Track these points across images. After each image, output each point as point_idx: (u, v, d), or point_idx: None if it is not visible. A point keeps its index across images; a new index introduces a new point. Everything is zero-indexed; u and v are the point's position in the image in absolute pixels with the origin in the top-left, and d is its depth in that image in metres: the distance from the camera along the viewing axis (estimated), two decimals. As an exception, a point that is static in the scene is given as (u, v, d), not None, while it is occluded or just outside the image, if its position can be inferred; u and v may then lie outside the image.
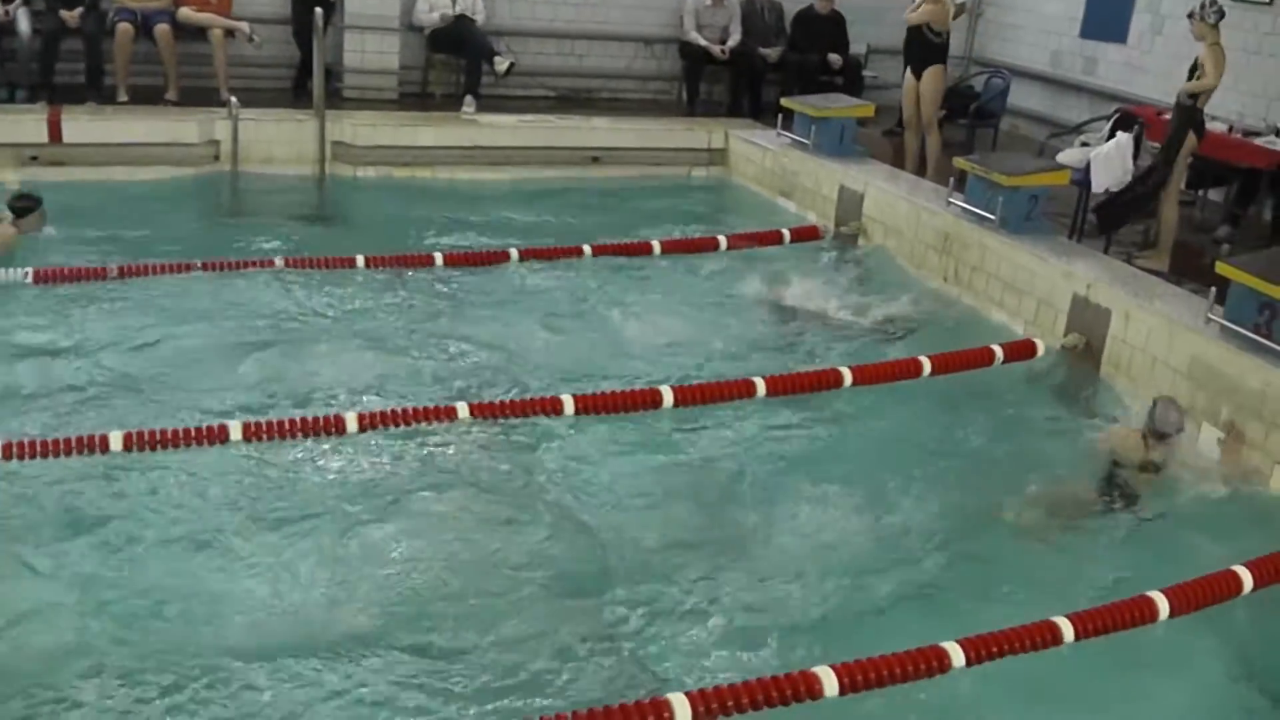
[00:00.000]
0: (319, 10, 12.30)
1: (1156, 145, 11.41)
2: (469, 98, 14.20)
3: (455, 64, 14.80)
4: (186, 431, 6.93)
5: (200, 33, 13.45)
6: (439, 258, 10.15)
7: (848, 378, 8.31)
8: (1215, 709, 5.71)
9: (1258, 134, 12.15)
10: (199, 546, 6.10)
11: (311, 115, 12.51)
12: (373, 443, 7.13)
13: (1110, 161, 10.88)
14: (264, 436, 7.02)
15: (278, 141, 12.48)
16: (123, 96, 13.00)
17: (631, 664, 5.52)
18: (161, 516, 6.30)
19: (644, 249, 10.76)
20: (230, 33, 13.49)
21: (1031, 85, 16.13)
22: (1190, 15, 10.64)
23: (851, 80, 15.62)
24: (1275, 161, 11.63)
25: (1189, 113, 10.58)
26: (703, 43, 15.37)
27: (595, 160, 13.42)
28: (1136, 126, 11.27)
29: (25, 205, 9.89)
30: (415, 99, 14.73)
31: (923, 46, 13.04)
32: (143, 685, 5.11)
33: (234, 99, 12.27)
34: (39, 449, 6.63)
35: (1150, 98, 13.44)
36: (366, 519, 6.41)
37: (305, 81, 13.65)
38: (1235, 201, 12.05)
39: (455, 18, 14.39)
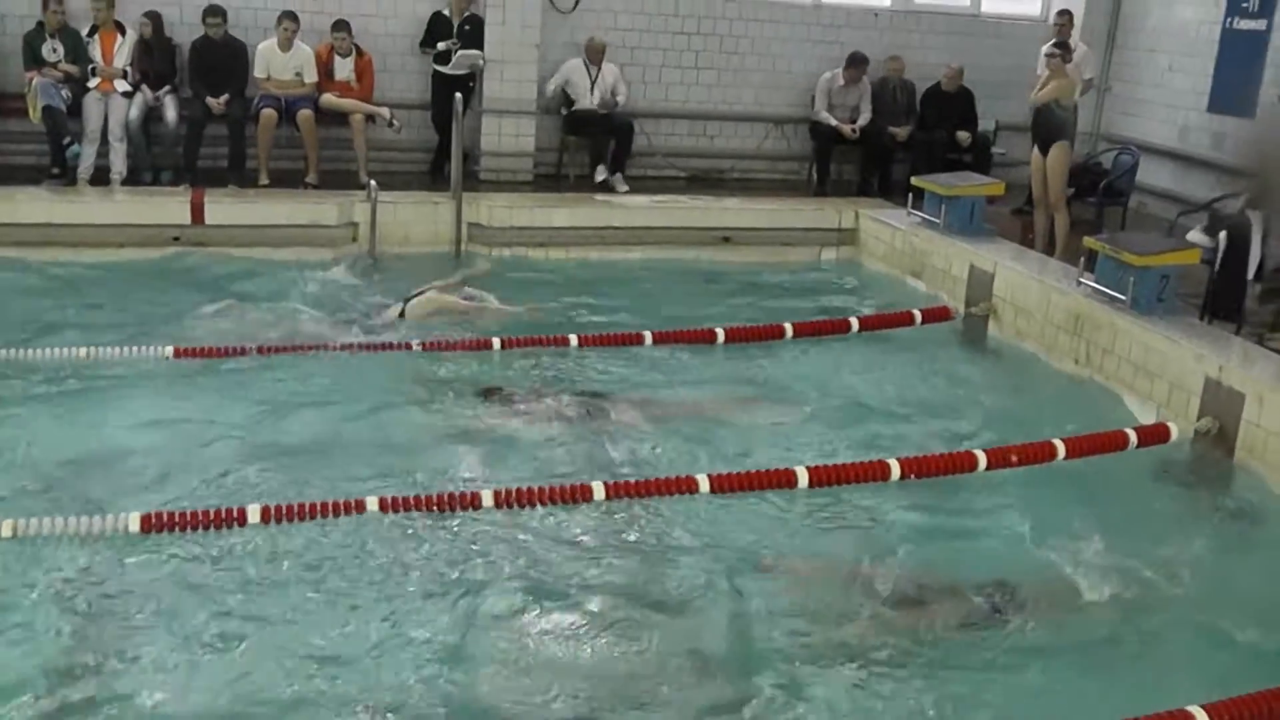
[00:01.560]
0: (458, 95, 12.65)
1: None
2: (619, 175, 14.58)
3: (585, 145, 15.13)
4: (324, 505, 7.11)
5: (341, 118, 13.86)
6: (574, 339, 10.34)
7: (982, 461, 8.34)
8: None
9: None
10: (333, 614, 6.27)
11: (448, 197, 12.86)
12: (507, 519, 7.27)
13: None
14: (399, 510, 7.19)
15: (415, 223, 12.85)
16: (264, 179, 13.47)
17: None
18: (300, 586, 6.50)
19: (776, 332, 10.86)
20: (371, 118, 13.88)
21: (1160, 161, 16.08)
22: None
23: (980, 157, 15.77)
24: None
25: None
26: (833, 122, 15.57)
27: (726, 240, 13.59)
28: (1267, 204, 11.28)
29: None
30: (549, 180, 15.05)
31: (1049, 122, 13.11)
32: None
33: (373, 182, 12.62)
34: (178, 521, 6.89)
35: (1281, 174, 13.36)
36: (498, 594, 6.53)
37: (443, 164, 14.00)
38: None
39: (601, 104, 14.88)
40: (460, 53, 14.06)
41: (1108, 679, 6.24)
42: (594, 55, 14.81)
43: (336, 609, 6.32)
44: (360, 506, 7.15)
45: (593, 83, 14.81)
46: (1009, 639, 6.52)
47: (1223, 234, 11.07)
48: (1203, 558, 7.51)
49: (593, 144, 15.06)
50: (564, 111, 15.11)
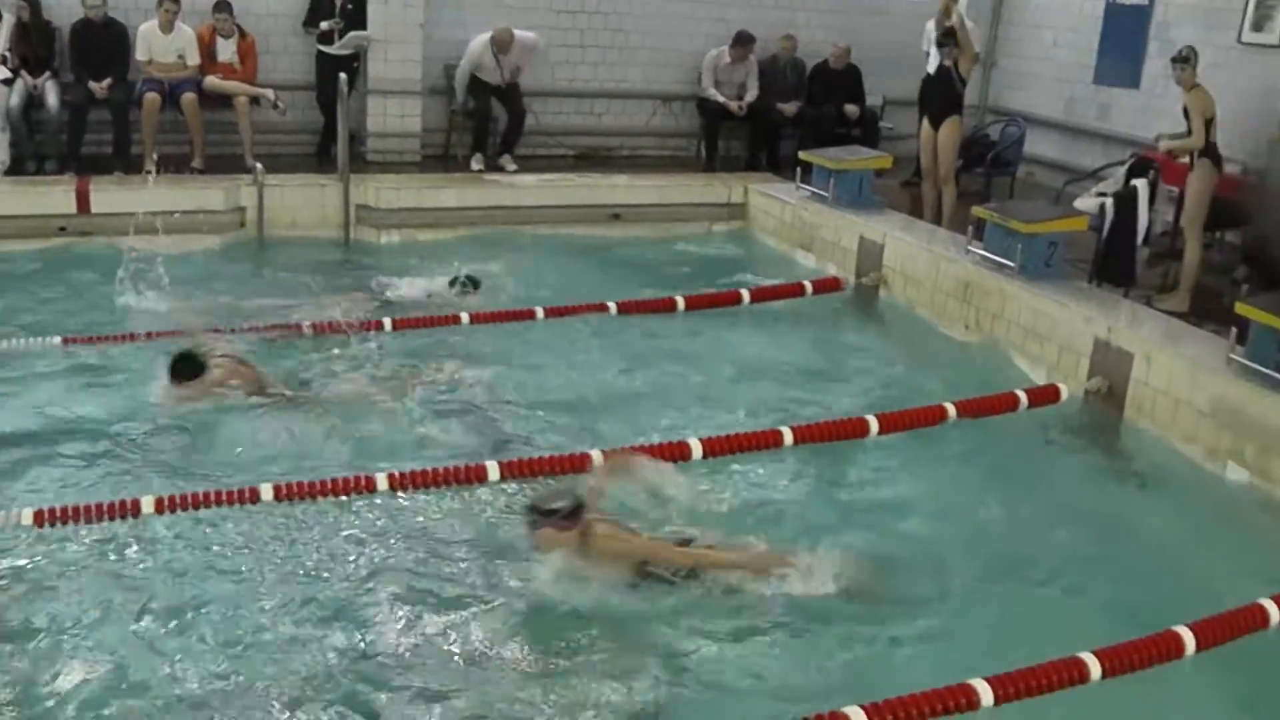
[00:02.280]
0: (343, 75, 12.50)
1: (1173, 189, 11.56)
2: (507, 156, 14.50)
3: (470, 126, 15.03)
4: (219, 494, 6.99)
5: (226, 100, 13.64)
6: (465, 317, 10.23)
7: (874, 426, 8.38)
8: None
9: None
10: (229, 604, 6.18)
11: (335, 180, 12.69)
12: (404, 503, 7.20)
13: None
14: (294, 496, 7.08)
15: (303, 207, 12.66)
16: (149, 166, 13.14)
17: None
18: (195, 576, 6.40)
19: (668, 305, 10.85)
20: (255, 100, 13.67)
21: (1047, 132, 16.22)
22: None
23: (868, 132, 15.85)
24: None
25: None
26: (720, 99, 15.54)
27: (616, 217, 13.52)
28: (1152, 172, 11.38)
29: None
30: (437, 161, 14.91)
31: (943, 95, 13.09)
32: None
33: (259, 165, 12.45)
34: (71, 514, 6.73)
35: (1165, 143, 13.51)
36: (394, 577, 6.48)
37: (329, 147, 13.77)
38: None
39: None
40: (351, 34, 13.92)
41: (1000, 628, 6.32)
42: (502, 45, 14.57)
43: (231, 599, 6.22)
44: (254, 495, 7.04)
45: (500, 69, 14.60)
46: (903, 595, 6.58)
47: (1109, 201, 11.17)
48: (1093, 511, 7.69)
49: (478, 127, 14.87)
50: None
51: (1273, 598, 6.41)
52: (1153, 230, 11.42)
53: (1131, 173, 11.70)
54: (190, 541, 6.67)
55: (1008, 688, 5.50)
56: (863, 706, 5.25)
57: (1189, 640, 5.98)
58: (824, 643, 6.15)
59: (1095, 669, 5.68)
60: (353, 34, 13.91)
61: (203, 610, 6.10)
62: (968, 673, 5.56)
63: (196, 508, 6.90)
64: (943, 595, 6.61)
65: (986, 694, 5.45)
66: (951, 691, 5.43)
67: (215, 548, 6.65)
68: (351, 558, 6.64)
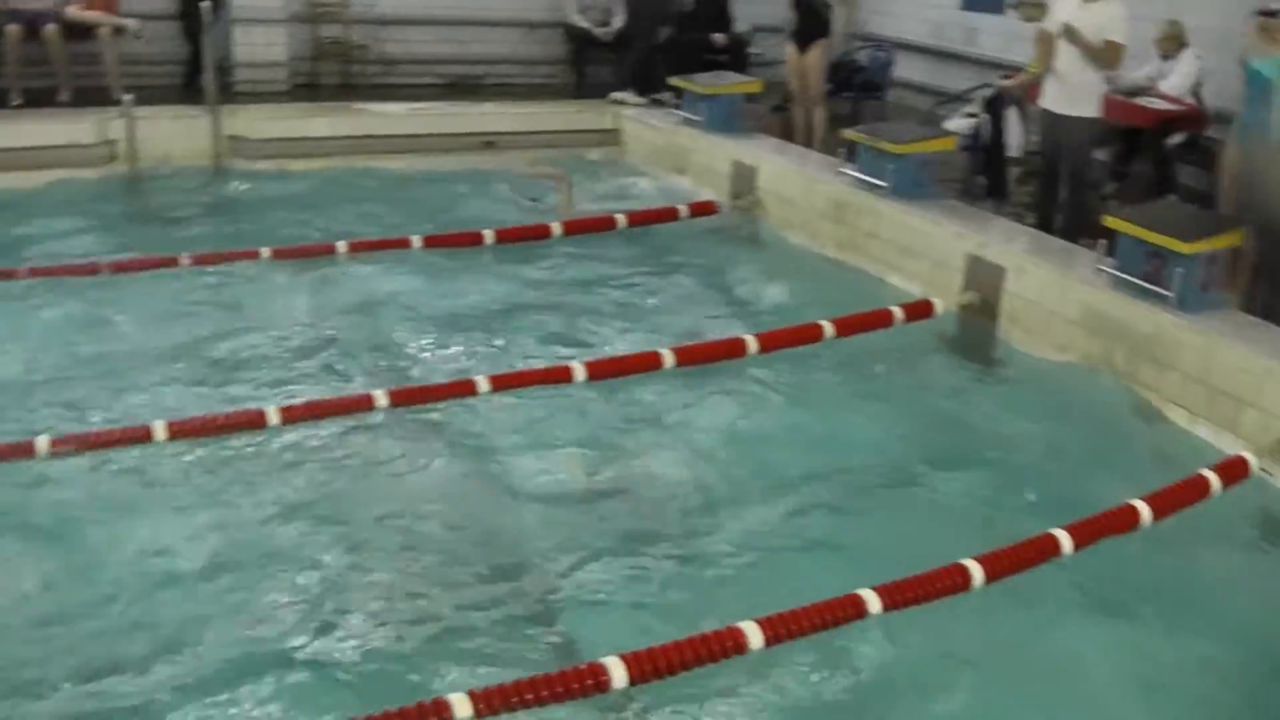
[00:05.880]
0: (206, 4, 12.27)
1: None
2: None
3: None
4: (110, 433, 6.86)
5: (89, 31, 13.35)
6: (342, 246, 10.10)
7: (752, 345, 8.45)
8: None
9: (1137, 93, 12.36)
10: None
11: (205, 110, 12.48)
12: (295, 437, 7.07)
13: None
14: (190, 434, 6.92)
15: (174, 138, 12.43)
16: (16, 99, 12.86)
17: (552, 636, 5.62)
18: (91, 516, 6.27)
19: (544, 231, 10.83)
20: (119, 30, 13.40)
21: (915, 57, 16.40)
22: None
23: (737, 58, 15.90)
24: (1155, 120, 11.93)
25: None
26: (584, 25, 15.53)
27: (490, 145, 13.41)
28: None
29: None
30: (308, 90, 14.77)
31: (808, 20, 13.22)
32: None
33: (128, 97, 12.18)
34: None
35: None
36: (284, 513, 6.39)
37: (197, 77, 13.53)
38: (1119, 159, 12.42)
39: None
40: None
41: (886, 541, 6.39)
42: None
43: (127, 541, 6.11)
44: (148, 434, 6.87)
45: None
46: (791, 511, 6.67)
47: (986, 116, 11.47)
48: (970, 420, 7.88)
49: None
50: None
51: (1143, 498, 6.59)
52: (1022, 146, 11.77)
53: (995, 96, 11.96)
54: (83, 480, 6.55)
55: (895, 596, 5.57)
56: (756, 621, 5.30)
57: (1065, 541, 6.13)
58: (717, 559, 6.23)
59: (978, 574, 5.79)
60: None
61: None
62: (858, 585, 5.60)
63: (91, 448, 6.76)
64: (830, 509, 6.69)
65: (875, 602, 5.52)
66: (841, 602, 5.49)
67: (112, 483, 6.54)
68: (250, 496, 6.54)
